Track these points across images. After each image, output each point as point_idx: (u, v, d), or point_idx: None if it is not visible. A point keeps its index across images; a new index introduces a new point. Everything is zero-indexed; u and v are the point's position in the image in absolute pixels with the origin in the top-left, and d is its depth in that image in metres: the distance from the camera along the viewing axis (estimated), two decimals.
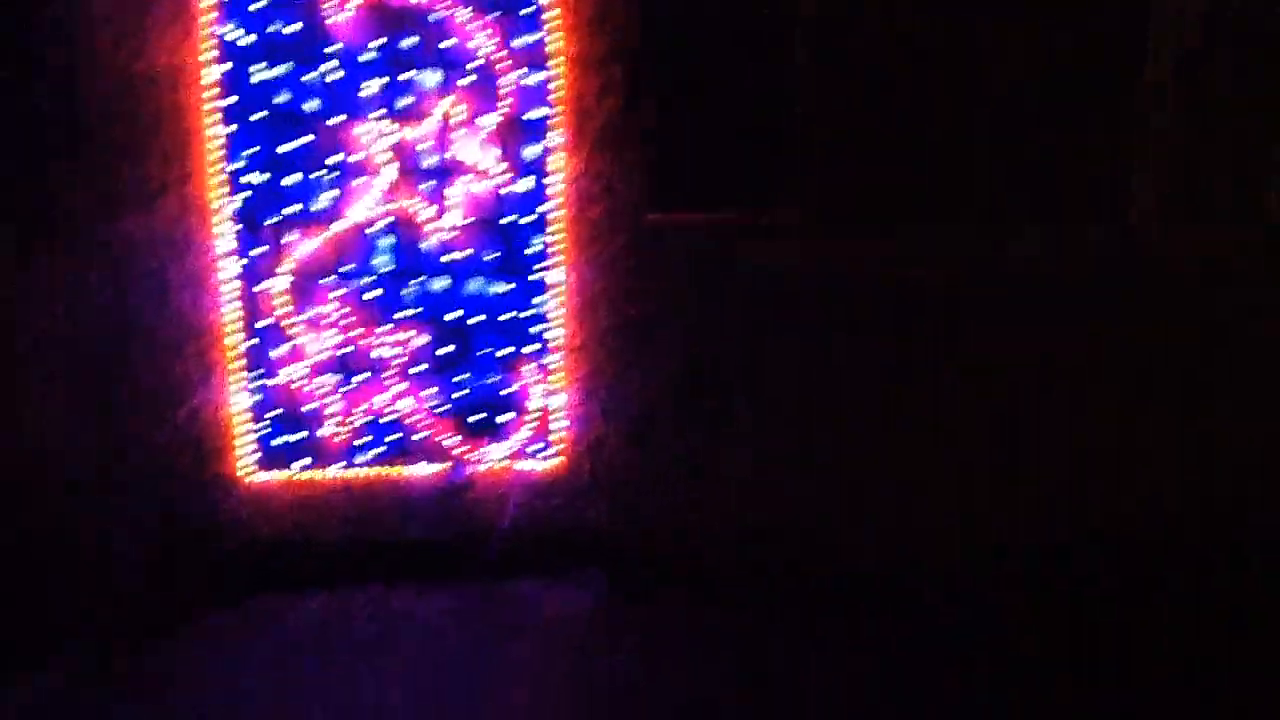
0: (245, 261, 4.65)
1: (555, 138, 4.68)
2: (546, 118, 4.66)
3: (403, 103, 4.59)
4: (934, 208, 5.07)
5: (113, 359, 4.65)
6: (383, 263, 4.72)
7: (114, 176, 4.49)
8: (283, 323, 4.72)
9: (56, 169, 4.44)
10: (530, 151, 4.70)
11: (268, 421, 4.82)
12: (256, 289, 4.68)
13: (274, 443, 4.84)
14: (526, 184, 4.73)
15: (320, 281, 4.73)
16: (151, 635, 4.54)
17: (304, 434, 4.86)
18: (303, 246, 4.64)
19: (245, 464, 4.84)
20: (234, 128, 4.47)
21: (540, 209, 4.76)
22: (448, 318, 4.83)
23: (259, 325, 4.71)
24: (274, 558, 4.95)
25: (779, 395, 5.14)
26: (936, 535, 5.26)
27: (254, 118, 4.50)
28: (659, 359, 5.04)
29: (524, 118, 4.67)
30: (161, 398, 4.73)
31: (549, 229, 4.80)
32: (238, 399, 4.75)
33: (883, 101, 4.95)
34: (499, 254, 4.81)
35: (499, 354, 4.91)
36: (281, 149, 4.54)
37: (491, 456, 4.98)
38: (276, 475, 4.87)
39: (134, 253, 4.56)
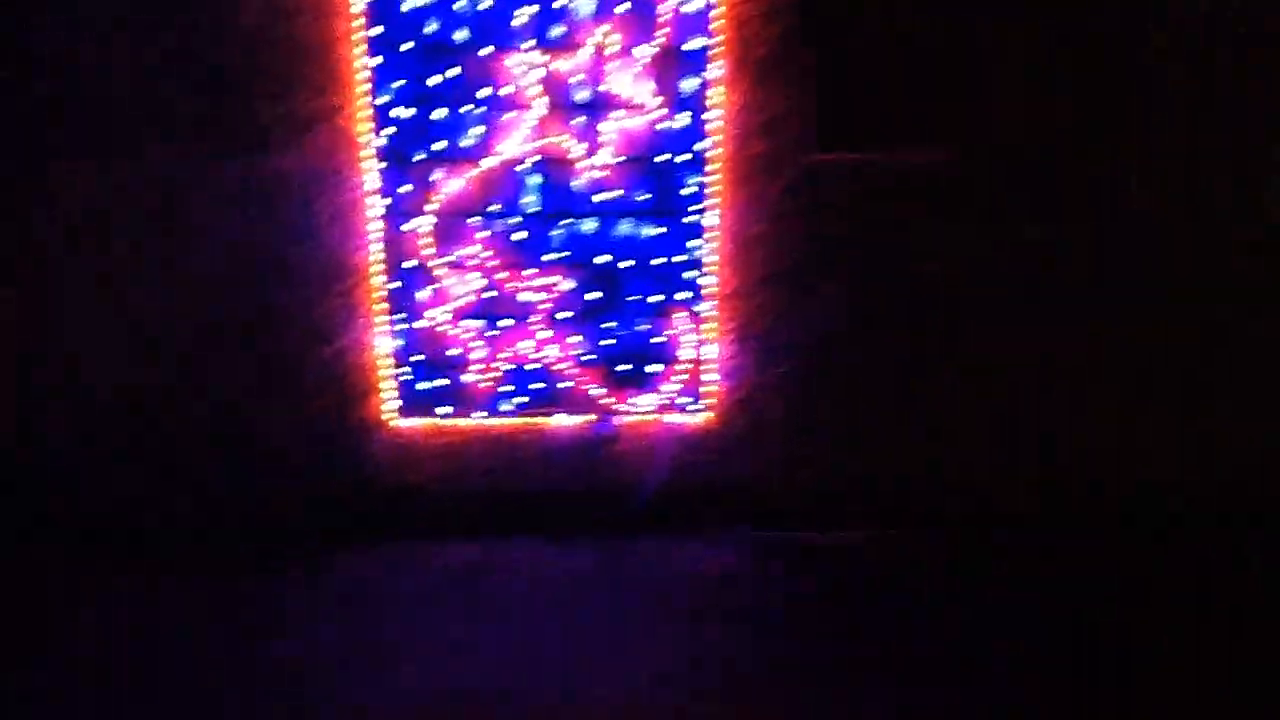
0: (391, 199, 4.43)
1: (715, 70, 4.34)
2: (706, 48, 4.32)
3: (555, 32, 4.31)
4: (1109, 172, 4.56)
5: (262, 296, 4.52)
6: (530, 203, 4.47)
7: (262, 109, 4.30)
8: (428, 264, 4.50)
9: (203, 102, 4.30)
10: (688, 85, 4.37)
11: (411, 366, 4.64)
12: (402, 228, 4.45)
13: (417, 388, 4.66)
14: (683, 120, 4.40)
15: (466, 221, 4.48)
16: (292, 574, 4.46)
17: (447, 380, 4.67)
18: (449, 185, 4.42)
19: (389, 409, 4.69)
20: (381, 59, 4.24)
21: (697, 146, 4.43)
22: (597, 261, 4.55)
23: (404, 266, 4.49)
24: (415, 504, 4.83)
25: (946, 352, 4.74)
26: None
27: (402, 48, 4.28)
28: (817, 309, 4.69)
29: (682, 48, 4.33)
30: (308, 337, 4.59)
31: (705, 168, 4.46)
32: (382, 342, 4.58)
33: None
34: (652, 195, 4.49)
35: (649, 301, 4.61)
36: (429, 81, 4.30)
37: (639, 408, 4.73)
38: (419, 421, 4.71)
39: (283, 187, 4.39)
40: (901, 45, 4.34)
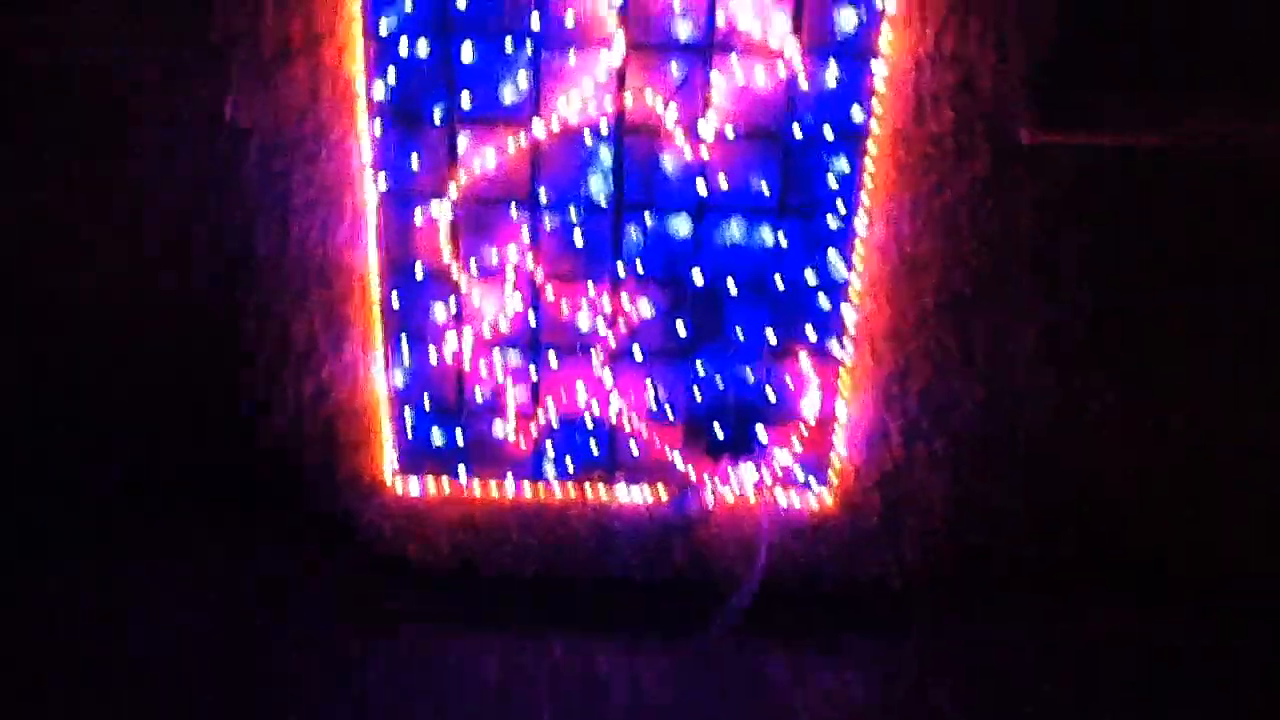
0: (396, 176, 3.13)
1: None
2: None
3: None
4: None
5: (215, 302, 3.31)
6: (598, 190, 3.10)
7: (213, 32, 2.92)
8: (446, 270, 3.22)
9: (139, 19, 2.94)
10: (845, 19, 2.93)
11: (418, 409, 3.42)
12: (412, 218, 3.16)
13: (430, 438, 3.40)
14: (831, 74, 2.98)
15: (503, 211, 3.16)
16: (266, 662, 3.29)
17: (470, 430, 3.43)
18: (480, 158, 3.05)
19: (387, 464, 3.37)
20: None
21: (851, 114, 3.00)
22: (692, 277, 3.20)
23: (413, 271, 3.19)
24: (419, 589, 3.59)
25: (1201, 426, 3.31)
26: None
27: None
28: (1008, 358, 3.28)
29: None
30: (280, 363, 3.34)
31: (861, 149, 3.06)
32: (379, 374, 3.27)
33: None
34: (777, 185, 3.13)
35: (762, 336, 3.30)
36: (457, 1, 2.88)
37: (737, 482, 3.37)
38: (431, 483, 3.40)
39: (242, 150, 3.09)
40: None
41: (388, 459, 3.47)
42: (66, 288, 3.31)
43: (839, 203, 3.13)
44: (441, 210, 3.16)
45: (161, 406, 3.47)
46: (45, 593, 3.50)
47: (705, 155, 3.08)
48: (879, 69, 2.95)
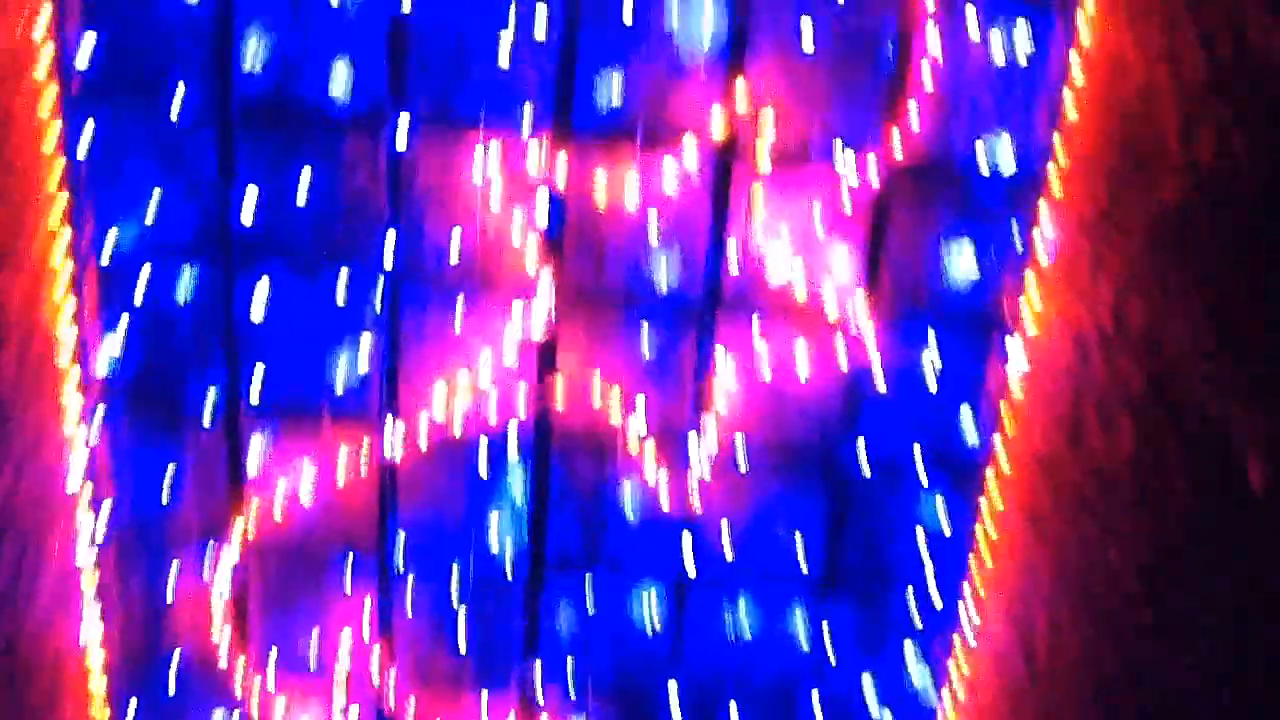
0: (134, 503, 1.96)
1: (1044, 218, 1.81)
2: (1039, 169, 1.82)
3: (609, 95, 1.80)
4: None
5: None
6: (500, 542, 1.89)
7: None
8: (227, 666, 1.98)
9: None
10: (958, 265, 1.65)
11: None
12: (169, 576, 1.87)
13: None
14: (928, 355, 1.90)
15: (335, 573, 2.02)
16: None
17: None
18: (287, 477, 1.87)
19: None
20: (91, 131, 1.63)
21: (958, 425, 2.00)
22: (665, 693, 2.09)
23: (167, 665, 2.05)
24: None
25: None
26: None
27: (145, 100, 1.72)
28: None
29: (962, 158, 1.90)
30: None
31: (973, 483, 1.98)
32: None
33: None
34: (819, 542, 2.09)
35: None
36: (248, 204, 1.80)
37: None
38: None
39: None
40: None
41: None
42: None
43: (928, 575, 1.89)
44: (219, 564, 1.78)
45: None
46: None
47: (694, 492, 1.74)
48: (1013, 348, 1.73)
